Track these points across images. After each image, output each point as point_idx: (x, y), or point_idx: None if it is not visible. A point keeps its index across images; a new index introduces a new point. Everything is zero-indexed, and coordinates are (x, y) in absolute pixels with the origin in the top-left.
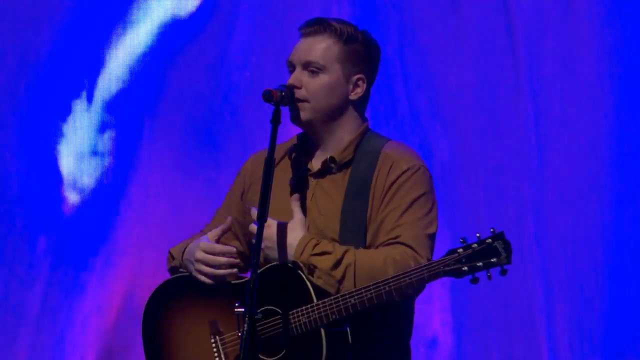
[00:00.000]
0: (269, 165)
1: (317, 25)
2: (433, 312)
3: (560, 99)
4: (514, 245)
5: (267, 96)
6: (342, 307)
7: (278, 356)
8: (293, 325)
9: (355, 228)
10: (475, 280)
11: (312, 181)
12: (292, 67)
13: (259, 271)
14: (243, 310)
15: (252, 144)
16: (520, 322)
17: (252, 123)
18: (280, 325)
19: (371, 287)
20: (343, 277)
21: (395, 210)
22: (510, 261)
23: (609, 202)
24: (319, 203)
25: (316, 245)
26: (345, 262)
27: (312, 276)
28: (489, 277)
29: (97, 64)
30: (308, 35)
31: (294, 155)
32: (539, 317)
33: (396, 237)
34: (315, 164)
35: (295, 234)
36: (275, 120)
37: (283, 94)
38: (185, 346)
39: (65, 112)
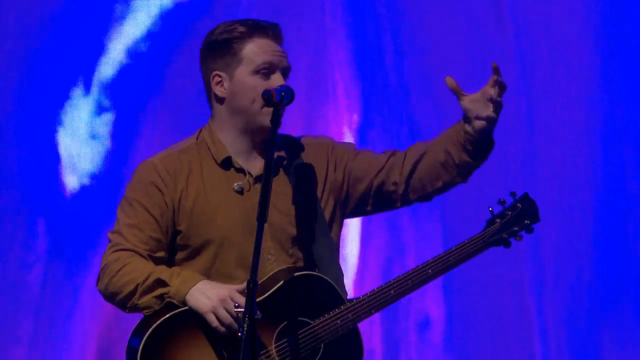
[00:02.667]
0: (269, 166)
1: (280, 31)
2: (425, 294)
3: (550, 83)
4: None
5: (267, 97)
6: (382, 301)
7: None
8: (327, 330)
9: (315, 214)
10: (508, 245)
11: (254, 184)
12: (269, 70)
13: (273, 290)
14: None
15: None
16: (511, 304)
17: None
18: (310, 334)
19: (411, 275)
20: None
21: (361, 151)
22: (539, 219)
23: (600, 190)
24: (276, 202)
25: None
26: None
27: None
28: (520, 238)
29: (97, 49)
30: (279, 40)
31: (208, 162)
32: (529, 299)
33: (393, 151)
34: (254, 168)
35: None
36: (275, 121)
37: (283, 94)
38: None
39: (64, 96)
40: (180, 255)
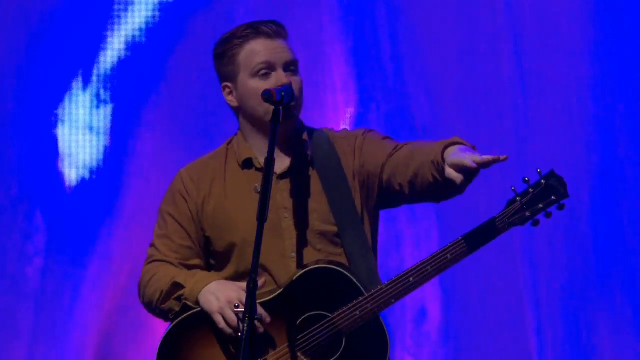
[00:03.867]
0: (269, 165)
1: (280, 27)
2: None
3: (546, 79)
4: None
5: (267, 96)
6: (402, 289)
7: (335, 358)
8: (347, 322)
9: (346, 208)
10: (536, 223)
11: (277, 182)
12: (268, 69)
13: (287, 285)
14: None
15: None
16: (507, 297)
17: None
18: (330, 327)
19: (430, 261)
20: None
21: (380, 141)
22: (568, 194)
23: (597, 189)
24: (301, 199)
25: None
26: None
27: None
28: (549, 215)
29: (96, 42)
30: (278, 36)
31: (233, 165)
32: (525, 292)
33: (396, 146)
34: (279, 165)
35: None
36: (275, 120)
37: (283, 93)
38: None
39: (63, 89)
40: (213, 262)
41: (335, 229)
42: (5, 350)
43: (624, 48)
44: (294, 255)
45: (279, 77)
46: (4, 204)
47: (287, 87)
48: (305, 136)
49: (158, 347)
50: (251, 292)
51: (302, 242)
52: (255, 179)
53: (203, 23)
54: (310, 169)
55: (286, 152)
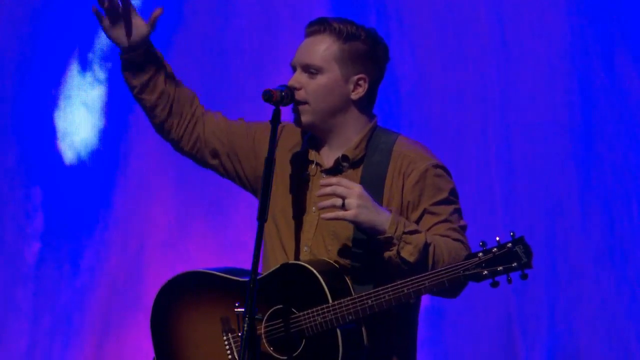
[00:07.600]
0: (269, 165)
1: (317, 25)
2: None
3: (530, 82)
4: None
5: (267, 96)
6: (359, 308)
7: (292, 355)
8: (308, 325)
9: None
10: (495, 284)
11: (323, 177)
12: (294, 69)
13: (271, 270)
14: (243, 310)
15: (255, 97)
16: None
17: (253, 76)
18: (295, 324)
19: (389, 290)
20: (430, 257)
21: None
22: (531, 265)
23: (586, 191)
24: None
25: (405, 222)
26: (429, 241)
27: (403, 252)
28: (509, 281)
29: (95, 21)
30: (309, 35)
31: (302, 148)
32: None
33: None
34: (327, 161)
35: (380, 208)
36: (275, 121)
37: (283, 94)
38: (197, 343)
39: (62, 68)
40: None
41: (350, 233)
42: (5, 336)
43: (613, 45)
44: (306, 249)
45: (292, 78)
46: (3, 184)
47: (286, 87)
48: (362, 136)
49: (156, 295)
50: (251, 292)
51: (317, 239)
52: (303, 167)
53: (201, 4)
54: (353, 170)
55: (337, 148)
